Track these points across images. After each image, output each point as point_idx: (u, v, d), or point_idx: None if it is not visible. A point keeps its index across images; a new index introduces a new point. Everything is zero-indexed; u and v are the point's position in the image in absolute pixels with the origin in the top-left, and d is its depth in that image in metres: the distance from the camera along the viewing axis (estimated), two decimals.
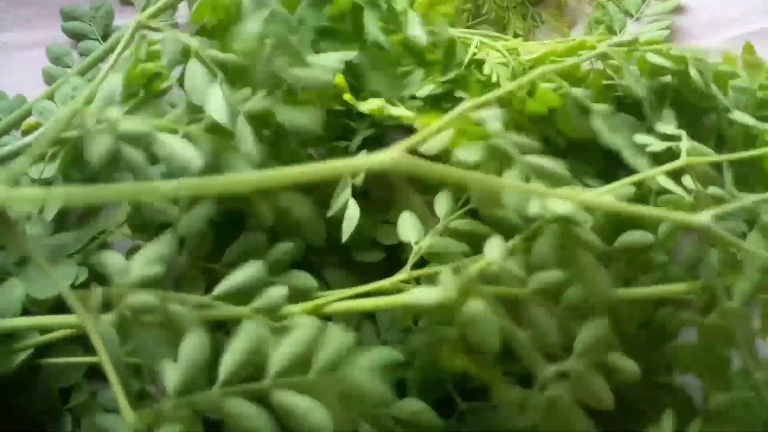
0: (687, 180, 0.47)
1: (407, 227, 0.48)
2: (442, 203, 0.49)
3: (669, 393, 0.50)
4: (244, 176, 0.39)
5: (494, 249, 0.41)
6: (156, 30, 0.47)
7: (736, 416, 0.45)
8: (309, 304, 0.43)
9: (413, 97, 0.56)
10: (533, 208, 0.41)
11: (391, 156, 0.37)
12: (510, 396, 0.43)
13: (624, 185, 0.45)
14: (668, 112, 0.53)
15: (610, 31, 0.72)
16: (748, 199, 0.45)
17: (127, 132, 0.43)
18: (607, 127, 0.48)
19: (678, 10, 0.75)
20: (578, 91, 0.49)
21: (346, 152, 0.55)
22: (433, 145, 0.42)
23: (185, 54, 0.46)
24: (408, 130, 0.51)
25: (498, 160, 0.43)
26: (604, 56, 0.52)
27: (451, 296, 0.39)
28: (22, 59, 0.69)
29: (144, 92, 0.54)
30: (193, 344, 0.39)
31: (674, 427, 0.47)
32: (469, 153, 0.43)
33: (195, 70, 0.46)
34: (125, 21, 0.70)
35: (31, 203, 0.42)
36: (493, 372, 0.42)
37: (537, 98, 0.49)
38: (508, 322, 0.40)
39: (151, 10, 0.47)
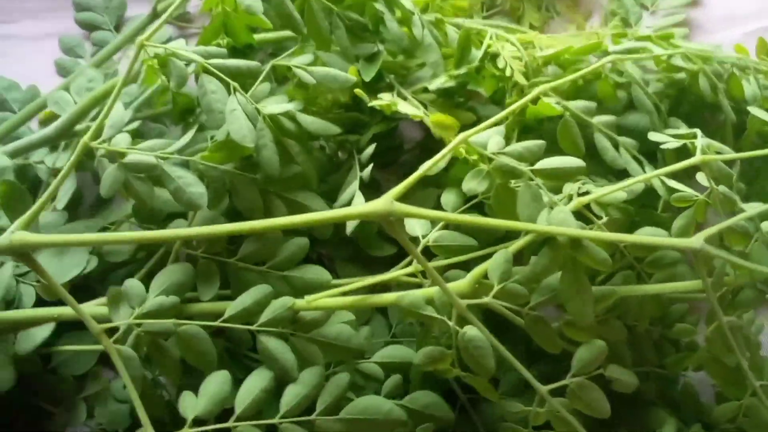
0: (701, 177, 0.46)
1: (414, 222, 0.48)
2: (448, 199, 0.51)
3: (677, 388, 0.52)
4: (251, 223, 0.41)
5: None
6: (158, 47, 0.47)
7: (745, 422, 0.47)
8: (314, 298, 0.45)
9: (426, 90, 0.55)
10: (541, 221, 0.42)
11: (382, 204, 0.38)
12: (511, 410, 0.45)
13: (635, 182, 0.46)
14: (675, 119, 0.53)
15: (626, 23, 0.71)
16: (754, 210, 0.45)
17: (134, 163, 0.45)
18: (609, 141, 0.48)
19: (694, 3, 0.74)
20: (579, 104, 0.49)
21: (357, 145, 0.56)
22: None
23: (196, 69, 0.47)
24: (421, 122, 0.52)
25: (507, 176, 0.43)
26: (613, 63, 0.51)
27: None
28: (34, 50, 0.69)
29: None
30: (216, 381, 0.43)
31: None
32: (476, 184, 0.44)
33: (209, 88, 0.46)
34: (138, 12, 0.69)
35: (46, 246, 0.44)
36: (491, 388, 0.44)
37: (540, 107, 0.48)
38: (503, 348, 0.42)
39: (150, 31, 0.47)
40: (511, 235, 0.46)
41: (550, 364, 0.48)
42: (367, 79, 0.52)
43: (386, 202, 0.39)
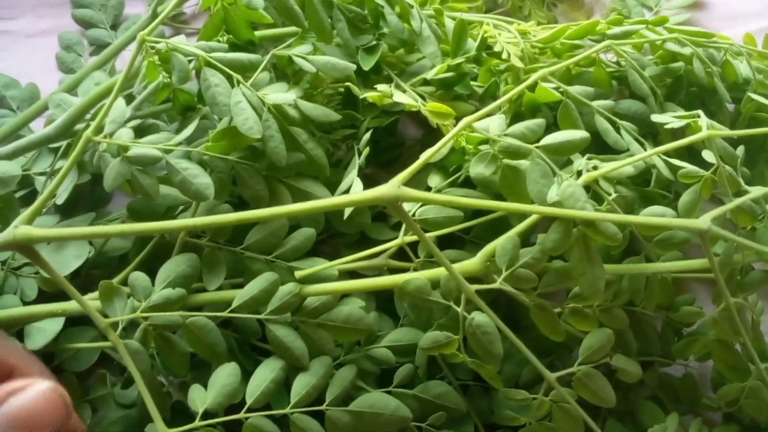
0: (707, 154, 0.47)
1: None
2: (434, 180, 0.51)
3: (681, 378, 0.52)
4: (257, 212, 0.42)
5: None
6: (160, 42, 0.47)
7: (746, 404, 0.47)
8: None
9: (425, 82, 0.55)
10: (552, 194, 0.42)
11: (389, 189, 0.38)
12: (515, 397, 0.45)
13: (641, 158, 0.45)
14: (672, 104, 0.54)
15: None
16: (759, 191, 0.46)
17: (137, 157, 0.44)
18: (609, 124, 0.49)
19: (697, 4, 0.75)
20: (578, 89, 0.50)
21: (355, 139, 0.56)
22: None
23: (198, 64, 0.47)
24: (419, 113, 0.52)
25: (513, 156, 0.44)
26: (609, 47, 0.52)
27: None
28: (32, 47, 0.69)
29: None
30: (225, 373, 0.43)
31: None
32: (483, 168, 0.44)
33: (212, 82, 0.46)
34: (135, 11, 0.70)
35: (49, 240, 0.44)
36: (496, 375, 0.44)
37: (537, 93, 0.49)
38: (510, 332, 0.42)
39: (152, 26, 0.47)
40: None
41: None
42: (367, 68, 0.52)
43: (393, 186, 0.39)
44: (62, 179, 0.45)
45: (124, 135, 0.45)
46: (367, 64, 0.52)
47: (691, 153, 0.51)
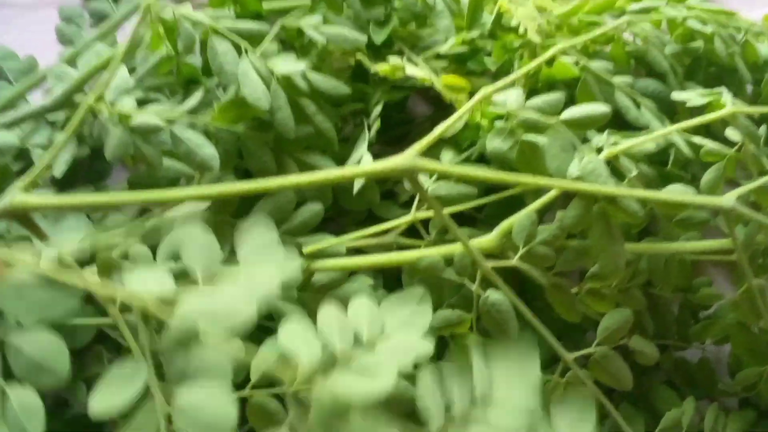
0: (731, 132, 0.45)
1: None
2: (446, 156, 0.50)
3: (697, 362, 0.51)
4: (266, 182, 0.39)
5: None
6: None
7: (765, 389, 0.46)
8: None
9: (438, 57, 0.54)
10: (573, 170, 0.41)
11: (406, 159, 0.37)
12: None
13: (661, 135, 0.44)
14: (692, 84, 0.52)
15: None
16: None
17: (140, 125, 0.43)
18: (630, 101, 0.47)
19: None
20: (597, 65, 0.48)
21: (365, 113, 0.54)
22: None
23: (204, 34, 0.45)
24: (429, 90, 0.50)
25: (532, 130, 0.42)
26: (629, 24, 0.50)
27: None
28: (31, 19, 0.67)
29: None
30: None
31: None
32: (500, 142, 0.43)
33: (219, 50, 0.44)
34: None
35: (47, 209, 0.42)
36: None
37: (555, 68, 0.47)
38: (527, 310, 0.41)
39: None
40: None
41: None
42: (378, 42, 0.51)
43: (409, 157, 0.37)
44: (62, 146, 0.43)
45: (127, 104, 0.44)
46: (379, 38, 0.51)
47: (709, 133, 0.49)
